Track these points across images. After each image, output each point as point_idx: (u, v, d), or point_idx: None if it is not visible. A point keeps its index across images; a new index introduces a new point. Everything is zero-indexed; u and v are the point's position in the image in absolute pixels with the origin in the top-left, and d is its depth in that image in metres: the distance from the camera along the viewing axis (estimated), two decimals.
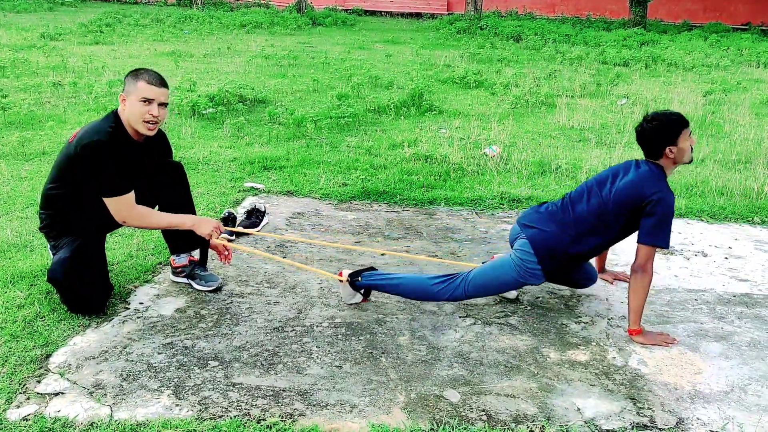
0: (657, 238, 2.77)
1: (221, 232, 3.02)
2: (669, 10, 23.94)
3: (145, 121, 2.78)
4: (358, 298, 3.09)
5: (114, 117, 2.81)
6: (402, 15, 24.27)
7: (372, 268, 3.09)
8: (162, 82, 2.81)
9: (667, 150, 2.87)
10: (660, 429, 2.31)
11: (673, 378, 2.61)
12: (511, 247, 3.04)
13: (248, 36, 14.70)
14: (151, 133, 2.84)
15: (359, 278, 3.01)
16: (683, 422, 2.35)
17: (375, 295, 3.18)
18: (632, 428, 2.30)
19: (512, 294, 3.21)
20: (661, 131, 2.86)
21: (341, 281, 3.06)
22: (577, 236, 2.87)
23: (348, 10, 23.36)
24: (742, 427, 2.33)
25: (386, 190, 4.66)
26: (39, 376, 2.43)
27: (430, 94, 7.80)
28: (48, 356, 2.55)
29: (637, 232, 2.86)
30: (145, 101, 2.75)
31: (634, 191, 2.82)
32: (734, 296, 3.35)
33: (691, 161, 2.97)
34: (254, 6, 22.71)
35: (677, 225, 4.30)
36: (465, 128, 6.51)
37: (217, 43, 12.62)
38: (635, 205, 2.81)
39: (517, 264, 2.89)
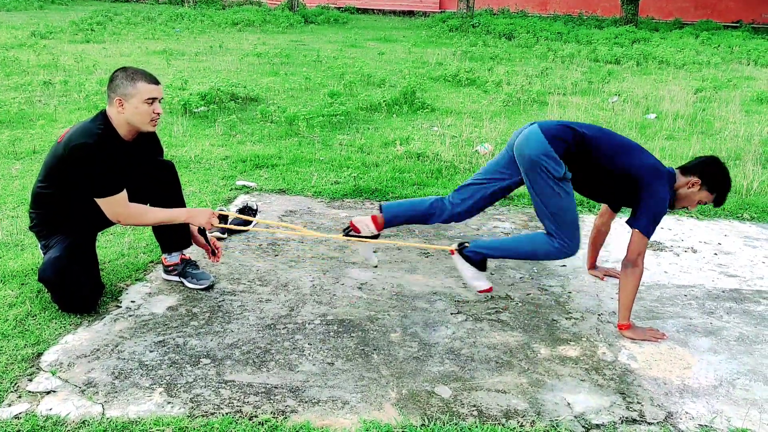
0: (649, 229, 2.80)
1: (218, 220, 3.01)
2: (660, 8, 24.04)
3: (151, 120, 2.80)
4: (485, 283, 3.02)
5: (102, 117, 2.80)
6: (394, 13, 24.27)
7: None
8: (157, 80, 2.84)
9: (690, 183, 2.92)
10: (649, 423, 2.33)
11: (663, 373, 2.63)
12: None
13: (240, 34, 14.67)
14: (155, 129, 2.89)
15: (467, 244, 3.00)
16: (672, 416, 2.37)
17: (367, 291, 3.19)
18: (622, 422, 2.32)
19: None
20: (705, 182, 2.93)
21: (452, 252, 3.04)
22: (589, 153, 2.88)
23: (340, 8, 23.33)
24: (730, 421, 2.35)
25: (378, 188, 4.67)
26: (30, 375, 2.42)
27: (423, 92, 7.82)
28: (39, 355, 2.55)
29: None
30: (150, 101, 2.76)
31: (641, 171, 2.84)
32: (723, 292, 3.38)
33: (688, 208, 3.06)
34: (246, 4, 22.65)
35: (668, 222, 4.33)
36: (457, 126, 6.53)
37: (208, 42, 12.59)
38: (635, 178, 2.83)
39: (534, 167, 2.83)
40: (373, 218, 3.12)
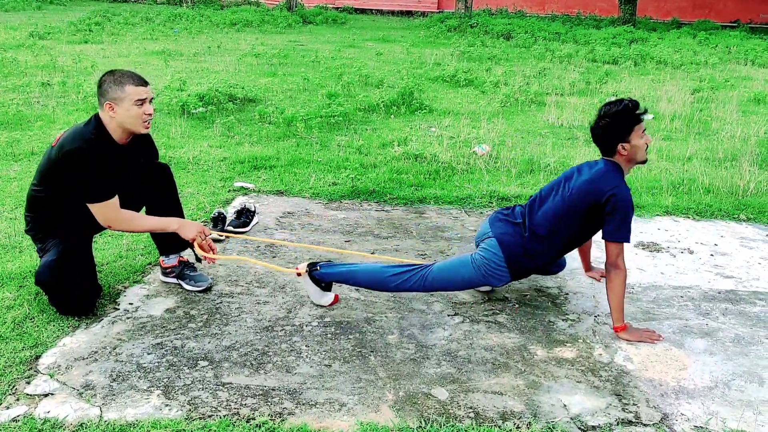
0: (620, 234, 2.81)
1: (206, 236, 3.03)
2: (658, 8, 24.06)
3: (143, 121, 2.81)
4: (328, 298, 3.05)
5: (96, 121, 2.80)
6: (393, 13, 24.28)
7: (329, 261, 3.09)
8: (145, 80, 2.84)
9: (620, 147, 2.88)
10: (645, 425, 2.34)
11: (658, 374, 2.65)
12: (476, 246, 3.07)
13: (238, 34, 14.68)
14: (148, 130, 2.88)
15: (317, 268, 2.99)
16: (668, 418, 2.38)
17: (364, 293, 3.20)
18: (617, 424, 2.33)
19: (485, 287, 3.22)
20: (613, 128, 2.86)
21: (299, 275, 3.03)
22: (543, 238, 2.92)
23: (339, 8, 23.34)
24: (726, 422, 2.36)
25: (376, 189, 4.68)
26: (28, 377, 2.43)
27: (421, 93, 7.82)
28: (37, 357, 2.56)
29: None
30: (139, 103, 2.76)
31: (590, 189, 2.85)
32: (719, 293, 3.39)
33: (645, 161, 2.97)
34: (244, 4, 22.65)
35: (665, 223, 4.34)
36: (455, 127, 6.54)
37: (207, 42, 12.59)
38: (593, 203, 2.84)
39: (480, 264, 2.92)
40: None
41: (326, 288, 3.05)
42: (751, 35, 18.20)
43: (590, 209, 2.86)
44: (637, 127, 2.86)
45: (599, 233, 2.93)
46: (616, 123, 2.86)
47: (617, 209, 2.80)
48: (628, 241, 2.83)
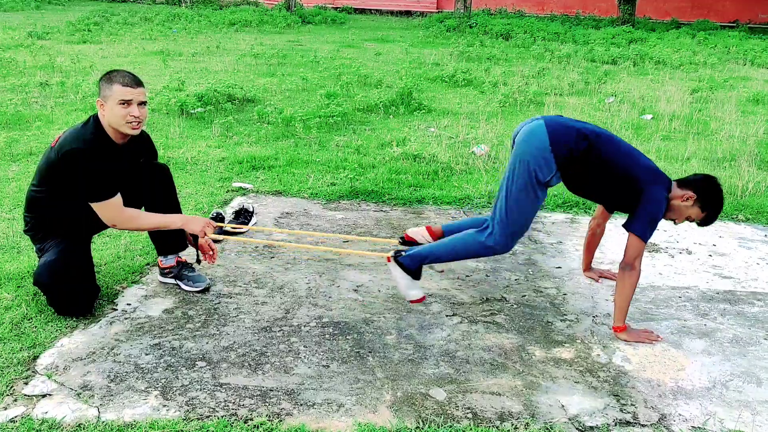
0: (646, 232, 2.82)
1: (213, 229, 3.02)
2: (657, 8, 24.06)
3: (128, 123, 2.77)
4: (417, 293, 3.01)
5: (94, 122, 2.80)
6: (392, 13, 24.27)
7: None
8: (137, 82, 2.80)
9: (685, 197, 2.91)
10: (643, 425, 2.34)
11: (657, 374, 2.65)
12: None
13: (237, 34, 14.67)
14: (137, 132, 2.84)
15: (402, 253, 3.00)
16: (666, 418, 2.38)
17: (363, 294, 3.20)
18: (615, 425, 2.33)
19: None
20: (702, 202, 2.92)
21: (389, 260, 3.01)
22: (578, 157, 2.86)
23: (338, 8, 23.33)
24: (723, 423, 2.37)
25: (375, 190, 4.68)
26: (26, 378, 2.43)
27: (419, 93, 7.82)
28: (35, 358, 2.56)
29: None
30: (123, 103, 2.74)
31: (638, 171, 2.86)
32: (717, 293, 3.39)
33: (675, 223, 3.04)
34: (243, 4, 22.64)
35: (663, 223, 4.32)
36: (454, 127, 6.54)
37: (205, 42, 12.58)
38: (633, 180, 2.84)
39: (525, 160, 2.82)
40: (428, 228, 3.20)
41: (416, 276, 3.01)
42: (750, 35, 18.20)
43: (624, 182, 2.85)
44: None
45: (606, 238, 2.94)
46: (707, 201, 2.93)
47: (648, 208, 2.81)
48: (646, 241, 2.84)
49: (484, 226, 2.95)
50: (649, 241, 3.98)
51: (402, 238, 3.30)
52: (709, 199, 2.90)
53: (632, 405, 2.45)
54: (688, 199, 2.89)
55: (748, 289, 3.45)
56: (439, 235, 3.18)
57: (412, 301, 3.06)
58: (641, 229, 2.81)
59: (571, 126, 2.90)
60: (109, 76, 2.78)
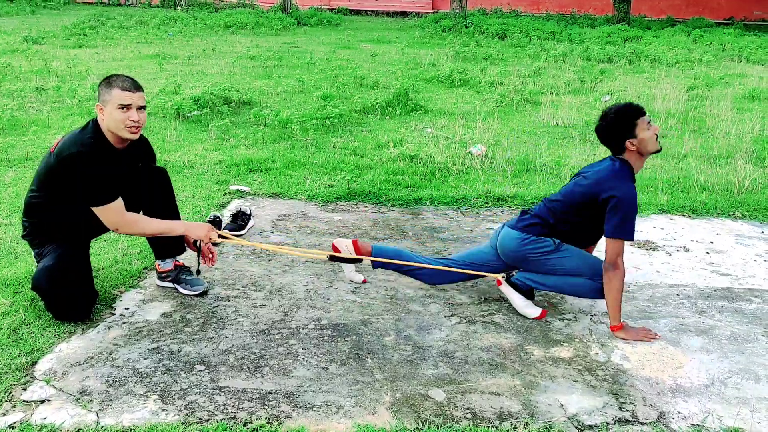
0: (621, 232, 2.82)
1: (216, 234, 3.02)
2: (652, 6, 24.10)
3: (127, 127, 2.77)
4: (536, 311, 3.04)
5: (93, 126, 2.80)
6: (387, 14, 24.28)
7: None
8: (136, 86, 2.80)
9: (628, 143, 2.89)
10: (642, 423, 2.34)
11: (655, 372, 2.65)
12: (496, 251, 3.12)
13: (233, 37, 14.67)
14: (136, 136, 2.84)
15: (513, 273, 3.08)
16: (664, 416, 2.38)
17: (361, 295, 3.20)
18: (614, 423, 2.34)
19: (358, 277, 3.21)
20: (617, 125, 2.89)
21: (499, 283, 3.11)
22: (554, 224, 2.99)
23: (333, 9, 23.34)
24: (722, 420, 2.37)
25: (372, 191, 4.68)
26: (25, 384, 2.43)
27: (416, 94, 7.83)
28: (34, 363, 2.55)
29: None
30: (122, 108, 2.74)
31: (591, 188, 2.88)
32: (715, 291, 3.40)
33: (659, 150, 2.96)
34: (239, 6, 22.64)
35: (660, 221, 4.35)
36: (450, 127, 6.54)
37: (201, 45, 12.58)
38: (592, 200, 2.87)
39: (527, 256, 3.00)
40: (354, 242, 3.13)
41: (529, 296, 3.07)
42: (746, 32, 18.24)
43: (590, 207, 2.89)
44: (641, 119, 2.88)
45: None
46: (620, 119, 2.89)
47: (618, 208, 2.80)
48: (630, 239, 2.84)
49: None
50: (647, 239, 4.00)
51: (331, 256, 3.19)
52: (626, 123, 2.87)
53: (631, 403, 2.45)
54: (631, 143, 2.88)
55: (746, 286, 3.46)
56: (366, 252, 3.12)
57: (533, 318, 3.05)
58: (614, 229, 2.82)
59: (525, 213, 3.09)
60: (108, 81, 2.78)
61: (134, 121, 2.77)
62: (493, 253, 3.14)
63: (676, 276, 3.56)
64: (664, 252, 3.88)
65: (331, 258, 3.14)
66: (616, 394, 2.51)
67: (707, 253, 3.88)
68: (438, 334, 2.89)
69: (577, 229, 3.00)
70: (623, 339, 2.88)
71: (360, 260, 3.14)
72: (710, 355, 2.79)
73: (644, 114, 2.90)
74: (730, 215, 4.49)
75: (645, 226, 4.23)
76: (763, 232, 4.21)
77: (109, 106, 2.73)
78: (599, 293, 2.93)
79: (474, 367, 2.65)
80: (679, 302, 3.26)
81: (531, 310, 3.05)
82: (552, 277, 3.01)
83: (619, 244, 2.82)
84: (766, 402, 2.48)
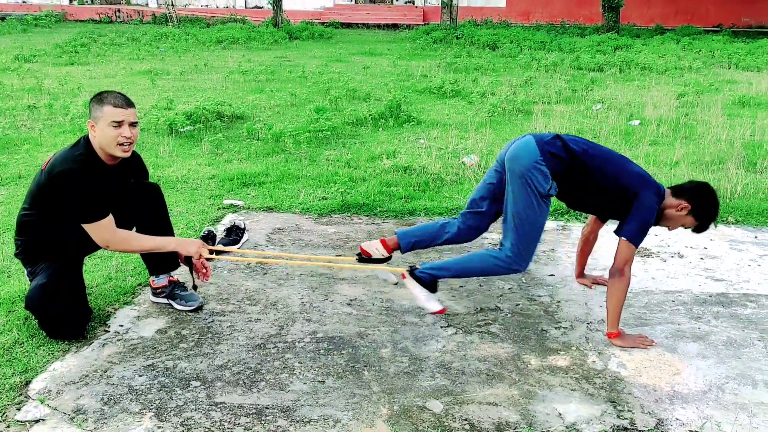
0: (637, 238, 2.83)
1: (207, 250, 3.02)
2: (641, 15, 24.31)
3: (119, 144, 2.76)
4: (435, 305, 3.03)
5: (85, 143, 2.80)
6: (379, 27, 24.41)
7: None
8: (128, 103, 2.79)
9: (679, 207, 2.91)
10: (640, 431, 2.34)
11: (652, 379, 2.65)
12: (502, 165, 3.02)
13: (225, 52, 14.70)
14: (127, 155, 2.83)
15: (417, 266, 3.04)
16: (662, 423, 2.38)
17: (356, 308, 3.19)
18: (613, 431, 2.33)
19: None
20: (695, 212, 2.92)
21: (404, 276, 3.05)
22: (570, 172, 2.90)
23: (325, 23, 23.45)
24: (720, 426, 2.36)
25: (366, 203, 4.68)
26: (19, 404, 2.40)
27: (408, 105, 7.85)
28: (28, 383, 2.53)
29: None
30: (115, 125, 2.73)
31: (631, 179, 2.88)
32: (710, 296, 3.41)
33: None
34: (230, 22, 22.72)
35: (654, 227, 4.35)
36: (443, 138, 6.56)
37: (193, 60, 12.61)
38: (624, 190, 2.85)
39: (522, 177, 2.84)
40: (382, 241, 3.18)
41: (432, 289, 3.04)
42: (734, 39, 18.41)
43: (619, 192, 2.87)
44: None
45: (599, 244, 2.95)
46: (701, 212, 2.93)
47: (642, 214, 2.82)
48: (637, 246, 2.85)
49: (499, 248, 2.95)
50: (641, 245, 4.01)
51: (359, 254, 3.23)
52: (704, 210, 2.90)
53: (629, 411, 2.44)
54: (683, 209, 2.89)
55: (740, 291, 3.47)
56: (395, 246, 3.17)
57: (433, 313, 3.08)
58: (632, 234, 2.82)
59: (558, 140, 2.93)
60: (99, 98, 2.77)
61: (126, 138, 2.76)
62: (494, 171, 3.08)
63: (671, 282, 3.56)
64: (659, 258, 3.88)
65: (361, 260, 3.18)
66: (614, 401, 2.50)
67: (701, 258, 3.89)
68: (434, 345, 2.88)
69: (588, 189, 2.95)
70: (620, 346, 2.88)
71: (390, 258, 3.17)
72: (707, 361, 2.79)
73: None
74: (723, 221, 4.51)
75: None
76: (756, 237, 4.23)
77: (101, 123, 2.73)
78: (502, 270, 2.92)
79: (471, 378, 2.64)
80: (675, 308, 3.26)
81: (432, 304, 3.04)
82: (454, 262, 3.02)
83: (630, 250, 2.83)
84: (764, 407, 2.48)
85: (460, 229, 3.18)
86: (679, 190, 2.95)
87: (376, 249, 3.17)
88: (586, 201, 3.06)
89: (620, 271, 2.84)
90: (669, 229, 3.01)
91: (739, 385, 2.62)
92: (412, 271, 3.05)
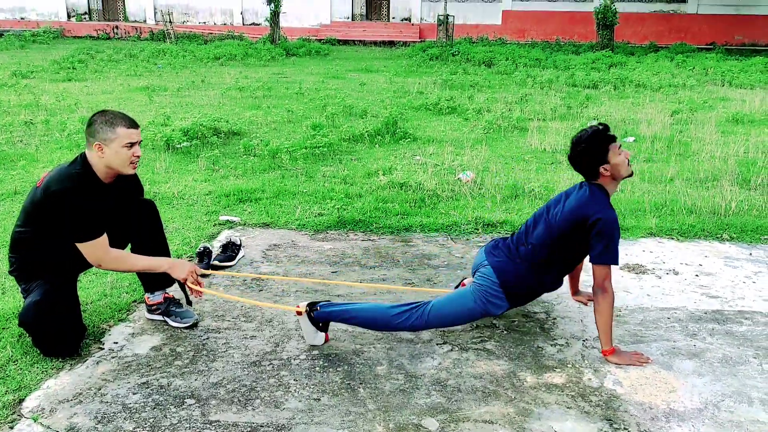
0: (607, 257, 2.83)
1: (197, 275, 3.01)
2: (635, 32, 24.54)
3: (131, 163, 2.83)
4: (320, 338, 2.99)
5: (82, 161, 2.81)
6: (375, 44, 24.57)
7: (329, 301, 3.06)
8: (136, 123, 2.86)
9: (602, 169, 2.92)
10: None
11: (648, 397, 2.64)
12: (473, 275, 3.09)
13: (222, 68, 14.77)
14: (134, 171, 2.90)
15: (317, 308, 2.95)
16: None
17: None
18: None
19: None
20: (589, 153, 2.92)
21: (299, 313, 2.97)
22: (537, 267, 2.96)
23: (321, 40, 23.60)
24: None
25: (362, 219, 4.69)
26: (12, 422, 2.39)
27: (404, 122, 7.89)
28: (21, 401, 2.51)
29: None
30: (129, 146, 2.78)
31: (575, 215, 2.88)
32: (705, 313, 3.41)
33: (631, 174, 2.99)
34: (228, 38, 22.85)
35: (649, 244, 4.37)
36: (439, 154, 6.58)
37: (191, 77, 12.66)
38: (578, 227, 2.87)
39: (478, 293, 2.94)
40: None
41: (322, 328, 3.00)
42: (728, 57, 18.58)
43: (577, 233, 2.89)
44: (612, 145, 2.91)
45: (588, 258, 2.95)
46: (591, 147, 2.91)
47: (603, 233, 2.82)
48: (616, 263, 2.85)
49: (412, 307, 2.95)
50: (636, 262, 4.02)
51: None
52: (598, 150, 2.88)
53: (625, 429, 2.44)
54: (605, 170, 2.90)
55: (736, 308, 3.47)
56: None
57: (313, 344, 3.00)
58: (600, 257, 2.83)
59: (512, 257, 3.00)
60: (108, 119, 2.78)
61: (137, 157, 2.84)
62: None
63: (666, 299, 3.57)
64: (654, 275, 3.89)
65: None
66: (609, 419, 2.49)
67: (696, 275, 3.90)
68: (430, 363, 2.87)
69: (562, 260, 3.00)
70: (615, 364, 2.87)
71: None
72: (703, 378, 2.79)
73: (615, 140, 2.93)
74: (718, 237, 4.52)
75: (634, 250, 4.25)
76: (751, 254, 4.24)
77: (114, 145, 2.76)
78: (396, 328, 2.95)
79: (467, 396, 2.63)
80: (670, 325, 3.26)
81: (318, 338, 2.98)
82: (350, 313, 2.97)
83: (605, 269, 2.84)
84: (760, 425, 2.48)
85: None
86: (588, 172, 2.94)
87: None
88: (567, 264, 3.07)
89: (602, 287, 2.85)
90: (624, 175, 2.94)
91: (735, 402, 2.61)
92: (310, 311, 2.95)
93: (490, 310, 2.95)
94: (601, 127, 2.93)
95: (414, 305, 2.95)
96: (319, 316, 2.96)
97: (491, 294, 2.93)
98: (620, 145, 2.94)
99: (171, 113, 7.98)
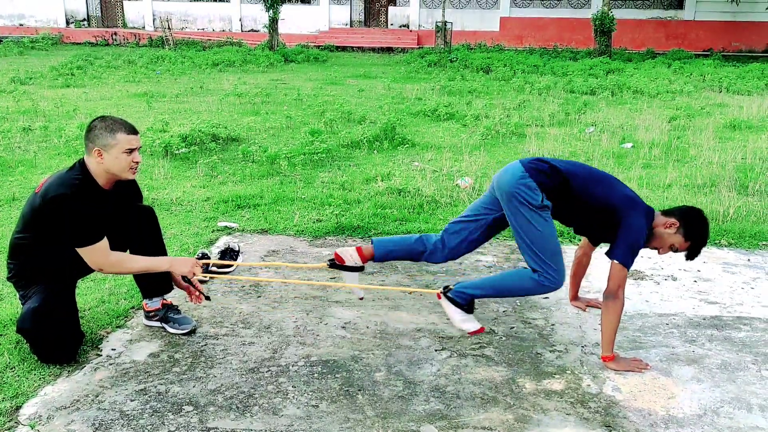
0: (627, 257, 2.83)
1: (201, 268, 3.01)
2: (633, 39, 24.64)
3: (131, 169, 2.83)
4: (473, 324, 3.03)
5: (80, 167, 2.81)
6: (373, 50, 24.62)
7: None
8: (135, 129, 2.86)
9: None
10: None
11: (647, 403, 2.64)
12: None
13: (221, 74, 14.80)
14: (135, 176, 2.91)
15: (451, 287, 3.03)
16: None
17: (351, 331, 3.18)
18: None
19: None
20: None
21: (439, 297, 3.06)
22: (570, 200, 2.93)
23: (320, 46, 23.65)
24: None
25: (361, 225, 4.69)
26: (9, 430, 2.38)
27: (403, 128, 7.90)
28: (18, 408, 2.50)
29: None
30: (129, 151, 2.79)
31: (625, 201, 2.88)
32: (704, 319, 3.41)
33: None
34: (226, 45, 22.90)
35: (647, 250, 4.36)
36: (437, 160, 6.59)
37: (189, 83, 12.68)
38: (615, 210, 2.86)
39: (513, 196, 2.87)
40: (358, 249, 3.15)
41: (469, 310, 3.03)
42: (725, 63, 18.64)
43: (612, 212, 2.87)
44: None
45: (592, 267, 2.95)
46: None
47: (629, 230, 2.82)
48: (628, 268, 2.85)
49: (533, 269, 2.92)
50: (634, 268, 4.02)
51: (331, 260, 3.18)
52: (692, 227, 2.91)
53: None
54: (670, 226, 2.91)
55: (734, 314, 3.47)
56: (370, 255, 3.13)
57: (470, 333, 3.07)
58: (622, 256, 2.83)
59: (545, 162, 2.97)
60: (108, 125, 2.78)
61: (137, 162, 2.83)
62: (491, 197, 3.09)
63: (665, 305, 3.57)
64: (653, 281, 3.89)
65: (332, 266, 3.14)
66: (609, 426, 2.49)
67: (695, 281, 3.90)
68: (429, 369, 2.86)
69: (575, 209, 2.97)
70: (614, 370, 2.87)
71: (363, 269, 3.15)
72: (702, 384, 2.79)
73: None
74: (716, 243, 4.53)
75: None
76: (749, 260, 4.24)
77: (114, 151, 2.76)
78: (541, 288, 2.91)
79: (466, 402, 2.62)
80: (669, 331, 3.26)
81: (469, 324, 3.04)
82: (490, 280, 3.02)
83: (623, 273, 2.83)
84: (759, 431, 2.47)
85: (436, 247, 3.14)
86: (668, 211, 2.98)
87: (350, 256, 3.12)
88: (574, 220, 3.08)
89: (614, 294, 2.84)
90: (659, 252, 3.01)
91: (734, 409, 2.61)
92: (446, 292, 3.05)
93: (531, 197, 2.85)
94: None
95: (537, 262, 2.89)
96: (458, 295, 3.00)
97: (523, 183, 2.86)
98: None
99: (169, 119, 7.98)
